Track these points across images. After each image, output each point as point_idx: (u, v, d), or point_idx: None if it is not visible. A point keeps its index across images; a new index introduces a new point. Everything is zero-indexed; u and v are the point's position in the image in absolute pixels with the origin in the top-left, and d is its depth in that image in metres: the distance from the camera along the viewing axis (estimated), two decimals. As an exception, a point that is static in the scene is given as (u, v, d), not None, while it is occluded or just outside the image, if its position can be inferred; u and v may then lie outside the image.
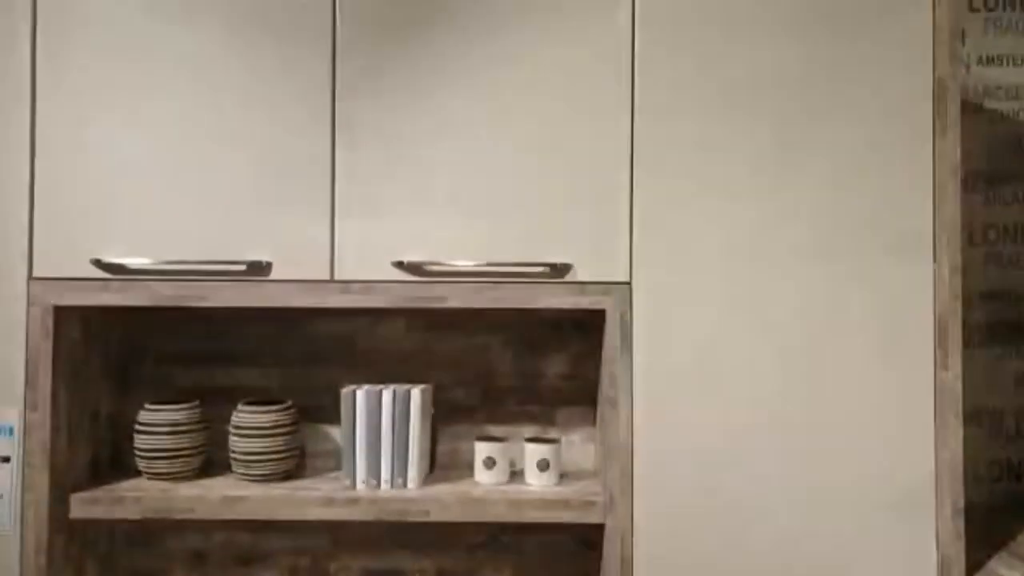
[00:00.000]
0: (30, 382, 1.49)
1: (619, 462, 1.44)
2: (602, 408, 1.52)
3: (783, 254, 1.45)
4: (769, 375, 1.43)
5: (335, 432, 1.74)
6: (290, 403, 1.64)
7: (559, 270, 1.47)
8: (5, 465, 1.50)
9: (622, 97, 1.47)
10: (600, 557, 1.64)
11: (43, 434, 1.48)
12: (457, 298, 1.48)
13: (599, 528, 1.64)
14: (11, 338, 1.49)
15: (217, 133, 1.49)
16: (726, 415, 1.43)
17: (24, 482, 1.48)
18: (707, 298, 1.44)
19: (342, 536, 1.73)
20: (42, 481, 1.48)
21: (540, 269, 1.47)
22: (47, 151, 1.49)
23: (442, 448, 1.72)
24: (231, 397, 1.73)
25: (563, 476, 1.59)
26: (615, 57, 1.47)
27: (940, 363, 1.41)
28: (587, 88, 1.47)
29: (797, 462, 1.43)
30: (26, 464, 1.48)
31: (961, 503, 1.39)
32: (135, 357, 1.76)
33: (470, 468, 1.67)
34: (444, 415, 1.72)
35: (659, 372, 1.44)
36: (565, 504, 1.48)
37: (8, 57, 1.50)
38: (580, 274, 1.47)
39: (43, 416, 1.48)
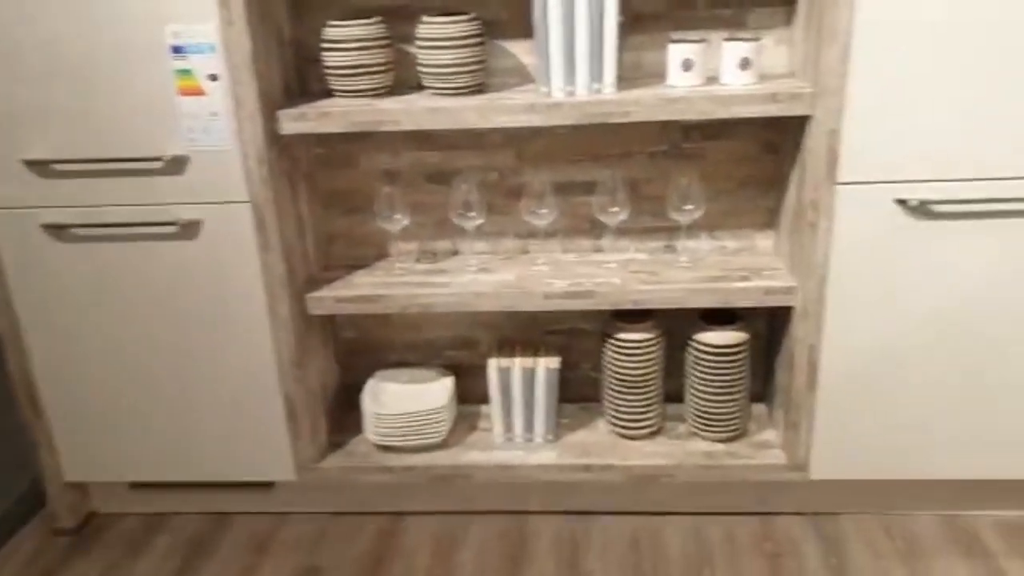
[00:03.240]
0: (221, -5, 1.46)
1: (836, 48, 1.39)
2: (811, -2, 1.44)
3: None
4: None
5: (514, 47, 1.71)
6: (474, 14, 1.59)
7: None
8: (214, 83, 1.54)
9: None
10: (786, 160, 1.67)
11: (244, 49, 1.49)
12: None
13: (786, 131, 1.65)
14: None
15: None
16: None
17: (236, 100, 1.53)
18: None
19: (526, 152, 1.78)
20: (251, 98, 1.52)
21: None
22: None
23: (626, 58, 1.68)
24: (405, 15, 1.68)
25: (761, 77, 1.56)
26: None
27: None
28: None
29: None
30: (234, 82, 1.51)
31: None
32: (301, -23, 1.70)
33: (657, 77, 1.66)
34: (628, 23, 1.66)
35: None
36: (772, 97, 1.47)
37: None
38: None
39: (240, 32, 1.48)
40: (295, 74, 1.72)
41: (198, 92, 1.55)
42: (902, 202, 1.47)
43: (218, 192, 1.60)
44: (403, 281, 1.75)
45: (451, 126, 1.55)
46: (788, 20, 1.63)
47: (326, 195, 1.86)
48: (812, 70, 1.47)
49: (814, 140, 1.47)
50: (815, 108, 1.46)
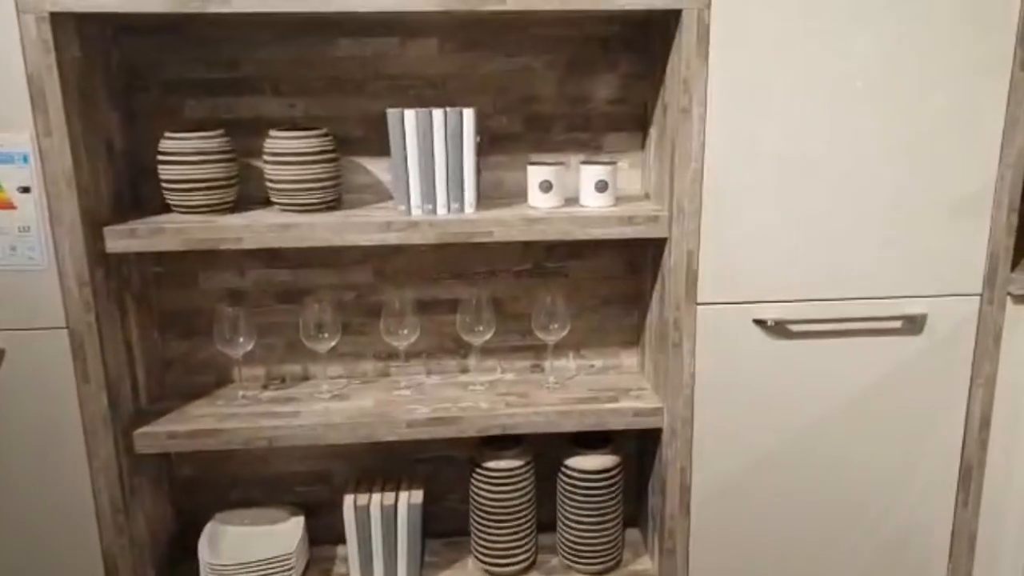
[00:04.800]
0: (37, 103, 1.32)
1: (688, 172, 1.42)
2: (669, 119, 1.46)
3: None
4: (847, 87, 1.40)
5: (370, 164, 1.65)
6: (326, 130, 1.52)
7: (626, -30, 1.34)
8: (26, 196, 1.37)
9: None
10: (647, 279, 1.67)
11: (63, 161, 1.34)
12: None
13: (646, 251, 1.66)
14: (5, 55, 1.30)
15: None
16: (805, 122, 1.41)
17: (52, 215, 1.37)
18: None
19: (386, 269, 1.70)
20: (71, 213, 1.36)
21: (605, -31, 1.34)
22: None
23: (486, 177, 1.65)
24: (253, 129, 1.59)
25: (617, 199, 1.57)
26: None
27: (1020, 62, 1.40)
28: None
29: (872, 166, 1.44)
30: (51, 195, 1.35)
31: (1017, 202, 1.45)
32: (139, 85, 1.57)
33: (517, 197, 1.63)
34: (485, 144, 1.64)
35: (737, 76, 1.38)
36: (629, 220, 1.47)
37: None
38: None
39: (60, 141, 1.33)
40: (129, 187, 1.58)
41: (6, 205, 1.37)
42: (760, 322, 1.49)
43: (27, 317, 1.40)
44: (247, 412, 1.57)
45: (299, 244, 1.44)
46: (641, 144, 1.67)
47: (162, 317, 1.68)
48: (667, 193, 1.48)
49: (673, 261, 1.47)
50: (671, 230, 1.47)
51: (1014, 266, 1.48)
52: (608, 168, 1.53)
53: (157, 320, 1.68)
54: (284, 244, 1.44)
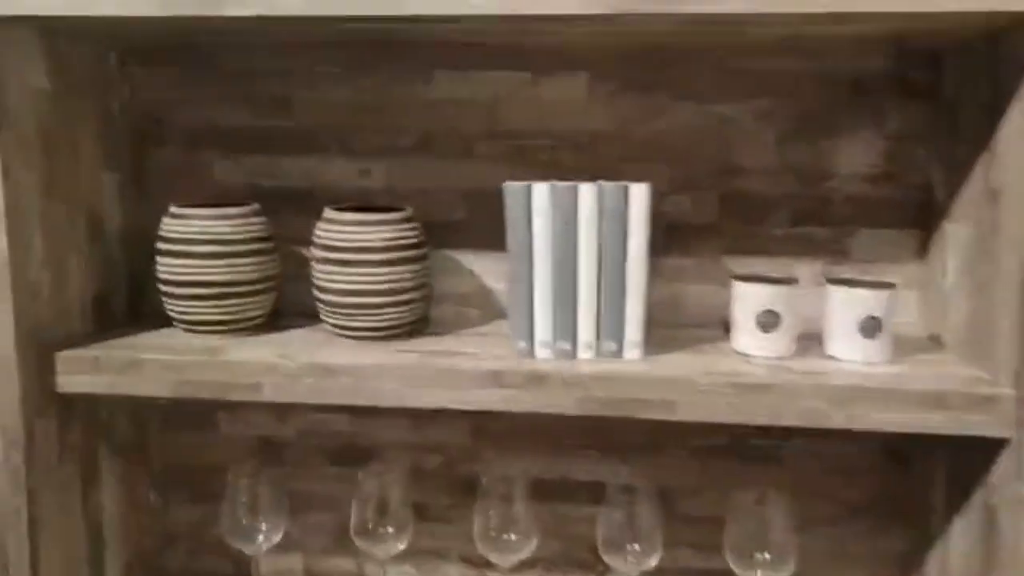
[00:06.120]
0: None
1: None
2: (1002, 213, 0.81)
3: None
4: None
5: (474, 262, 1.07)
6: (411, 211, 0.97)
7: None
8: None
9: None
10: (923, 477, 0.99)
11: (-4, 251, 0.84)
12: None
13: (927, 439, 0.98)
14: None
15: None
16: None
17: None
18: None
19: (490, 427, 1.10)
20: (3, 326, 0.86)
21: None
22: None
23: (657, 292, 1.04)
24: (305, 203, 1.06)
25: (896, 350, 0.91)
26: None
27: None
28: None
29: None
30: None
31: None
32: (154, 136, 1.09)
33: (705, 326, 1.01)
34: (658, 236, 1.03)
35: None
36: (937, 400, 0.79)
37: None
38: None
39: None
40: (128, 286, 1.07)
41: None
42: None
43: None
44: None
45: (349, 401, 0.88)
46: (922, 249, 1.00)
47: (166, 473, 1.16)
48: (998, 347, 0.81)
49: (1002, 479, 0.79)
50: (1019, 426, 0.79)
51: None
52: (883, 295, 0.87)
53: (156, 477, 1.15)
54: (326, 401, 0.88)
